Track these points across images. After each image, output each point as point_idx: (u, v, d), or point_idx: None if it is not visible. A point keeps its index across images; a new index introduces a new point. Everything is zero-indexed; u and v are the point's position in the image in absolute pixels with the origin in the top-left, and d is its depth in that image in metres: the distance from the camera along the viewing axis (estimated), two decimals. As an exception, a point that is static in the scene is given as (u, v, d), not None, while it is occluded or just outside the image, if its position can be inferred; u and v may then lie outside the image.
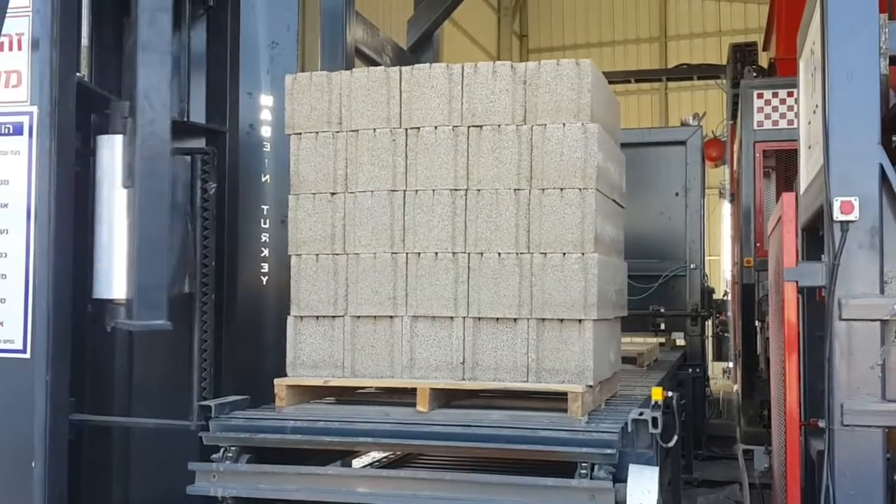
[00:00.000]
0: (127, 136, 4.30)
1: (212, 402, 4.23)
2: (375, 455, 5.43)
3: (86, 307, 5.25)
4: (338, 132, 4.42)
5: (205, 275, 5.12)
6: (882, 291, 3.59)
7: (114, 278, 4.42)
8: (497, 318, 4.16)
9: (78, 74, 4.77)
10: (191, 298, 5.11)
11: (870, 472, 3.53)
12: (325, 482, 3.94)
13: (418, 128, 4.30)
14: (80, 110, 4.73)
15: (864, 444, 3.54)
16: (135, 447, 5.41)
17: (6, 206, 4.47)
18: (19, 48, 4.46)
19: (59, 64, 4.43)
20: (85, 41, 4.99)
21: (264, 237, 5.46)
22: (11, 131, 4.47)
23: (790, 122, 9.09)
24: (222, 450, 4.08)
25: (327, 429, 4.02)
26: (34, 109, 4.43)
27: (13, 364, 4.40)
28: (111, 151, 4.52)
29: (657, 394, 3.92)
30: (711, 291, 10.89)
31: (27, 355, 4.38)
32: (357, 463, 5.58)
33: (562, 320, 4.08)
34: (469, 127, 4.24)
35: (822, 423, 3.73)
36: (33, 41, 4.44)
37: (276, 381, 4.35)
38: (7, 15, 4.22)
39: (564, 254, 4.09)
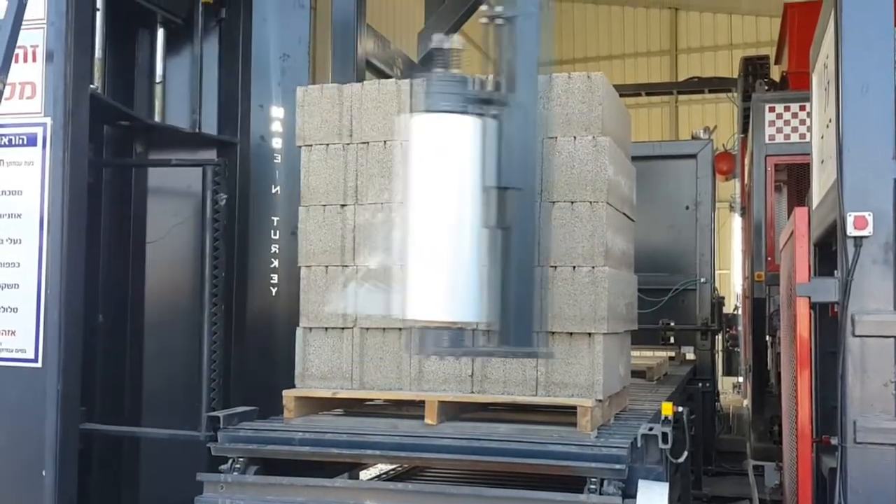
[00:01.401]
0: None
1: (220, 413, 4.22)
2: (383, 467, 5.41)
3: (97, 317, 5.28)
4: (348, 144, 4.42)
5: (214, 285, 5.13)
6: (896, 308, 3.56)
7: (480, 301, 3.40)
8: (507, 332, 4.13)
9: (91, 86, 4.79)
10: (201, 309, 5.12)
11: (883, 490, 3.49)
12: (333, 494, 3.92)
13: (429, 140, 4.28)
14: (94, 122, 4.75)
15: (877, 462, 3.50)
16: (144, 457, 5.42)
17: (19, 216, 4.48)
18: (34, 60, 4.48)
19: (72, 76, 4.45)
20: (98, 53, 5.02)
21: (274, 248, 5.47)
22: (25, 142, 4.48)
23: (802, 136, 9.06)
24: (230, 461, 4.07)
25: (335, 441, 4.01)
26: (48, 121, 4.45)
27: (25, 373, 4.41)
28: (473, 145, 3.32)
29: (667, 409, 3.89)
30: (722, 305, 10.84)
31: (39, 364, 4.39)
32: (365, 475, 5.56)
33: (571, 334, 4.06)
34: (480, 139, 4.22)
35: (834, 441, 3.70)
36: (48, 53, 4.46)
37: (284, 392, 4.34)
38: (22, 27, 4.24)
39: (575, 267, 4.07)
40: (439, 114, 3.19)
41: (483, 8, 3.24)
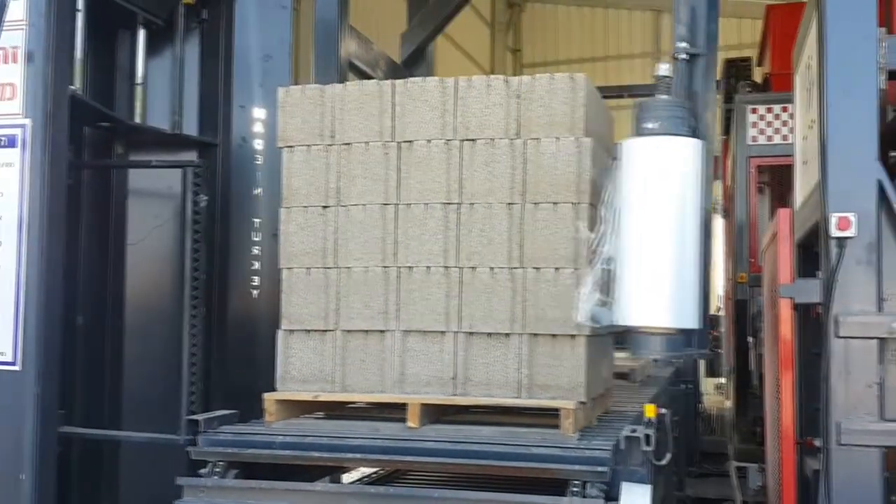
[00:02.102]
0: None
1: (200, 417, 4.18)
2: (365, 471, 5.38)
3: (76, 320, 5.23)
4: (330, 145, 4.39)
5: (195, 288, 5.10)
6: (880, 309, 3.56)
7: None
8: (489, 333, 4.12)
9: (72, 88, 4.75)
10: (181, 311, 5.08)
11: (867, 492, 3.49)
12: (314, 498, 3.89)
13: (411, 141, 4.27)
14: (74, 123, 4.71)
15: (861, 463, 3.50)
16: (123, 461, 5.39)
17: (-1, 217, 4.43)
18: (14, 61, 4.45)
19: (53, 77, 4.42)
20: (79, 54, 4.98)
21: (256, 250, 5.44)
22: (5, 144, 4.44)
23: (784, 137, 9.09)
24: (210, 464, 4.03)
25: (317, 444, 3.98)
26: (28, 122, 4.41)
27: (3, 376, 4.37)
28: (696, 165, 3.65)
29: (650, 410, 3.88)
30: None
31: (17, 367, 4.35)
32: (346, 479, 5.53)
33: (554, 336, 4.05)
34: (462, 141, 4.21)
35: (818, 442, 3.70)
36: (28, 54, 4.42)
37: (265, 395, 4.30)
38: (3, 28, 4.20)
39: (557, 269, 4.05)
40: (670, 136, 3.46)
41: (680, 45, 3.59)
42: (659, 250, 3.46)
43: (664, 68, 3.46)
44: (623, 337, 4.84)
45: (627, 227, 3.50)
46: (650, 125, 3.42)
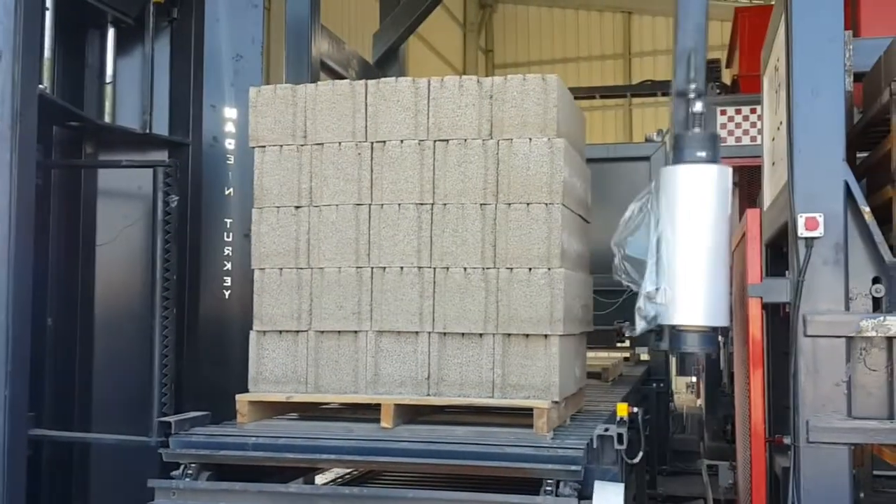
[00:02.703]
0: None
1: (172, 418, 4.16)
2: (339, 472, 5.37)
3: (45, 321, 5.18)
4: (302, 145, 4.39)
5: (166, 288, 5.07)
6: (847, 308, 3.60)
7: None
8: (463, 334, 4.13)
9: (40, 87, 4.70)
10: (152, 312, 5.05)
11: (836, 489, 3.53)
12: (287, 500, 3.88)
13: (384, 141, 4.27)
14: (42, 122, 4.66)
15: (829, 461, 3.54)
16: (94, 463, 5.34)
17: (-34, 218, 4.37)
18: (-19, 59, 4.38)
19: (21, 76, 4.36)
20: (48, 53, 4.93)
21: (227, 251, 5.41)
22: (-28, 143, 4.37)
23: (753, 138, 9.17)
24: (182, 466, 4.01)
25: (290, 445, 3.97)
26: (-5, 121, 4.34)
27: (-29, 379, 4.30)
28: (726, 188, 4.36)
29: (622, 409, 3.90)
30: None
31: (-15, 370, 4.28)
32: (320, 480, 5.52)
33: (527, 336, 4.06)
34: (435, 141, 4.22)
35: (787, 440, 3.73)
36: (-5, 52, 4.36)
37: (237, 396, 4.28)
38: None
39: (531, 269, 4.07)
40: (709, 165, 4.14)
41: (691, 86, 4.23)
42: (701, 260, 4.09)
43: (699, 106, 4.21)
44: (645, 337, 4.92)
45: (674, 241, 4.10)
46: (691, 154, 4.16)
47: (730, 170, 4.23)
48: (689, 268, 4.08)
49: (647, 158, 9.81)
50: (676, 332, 4.11)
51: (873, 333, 3.54)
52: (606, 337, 9.09)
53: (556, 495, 3.59)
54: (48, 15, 4.90)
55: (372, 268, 4.24)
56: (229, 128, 5.49)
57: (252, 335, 4.41)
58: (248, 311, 4.51)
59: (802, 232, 3.60)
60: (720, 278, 4.09)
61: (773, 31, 4.46)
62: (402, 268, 4.20)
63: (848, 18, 3.81)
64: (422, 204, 4.20)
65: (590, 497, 3.61)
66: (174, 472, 4.01)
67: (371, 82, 4.36)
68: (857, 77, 4.14)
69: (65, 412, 5.31)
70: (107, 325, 5.44)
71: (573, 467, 3.63)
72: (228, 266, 5.41)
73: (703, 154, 4.13)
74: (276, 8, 11.65)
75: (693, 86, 4.22)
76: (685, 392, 16.26)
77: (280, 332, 4.36)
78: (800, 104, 3.70)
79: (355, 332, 4.25)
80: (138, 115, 5.43)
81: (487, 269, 4.12)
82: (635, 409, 4.03)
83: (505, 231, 4.11)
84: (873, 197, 3.88)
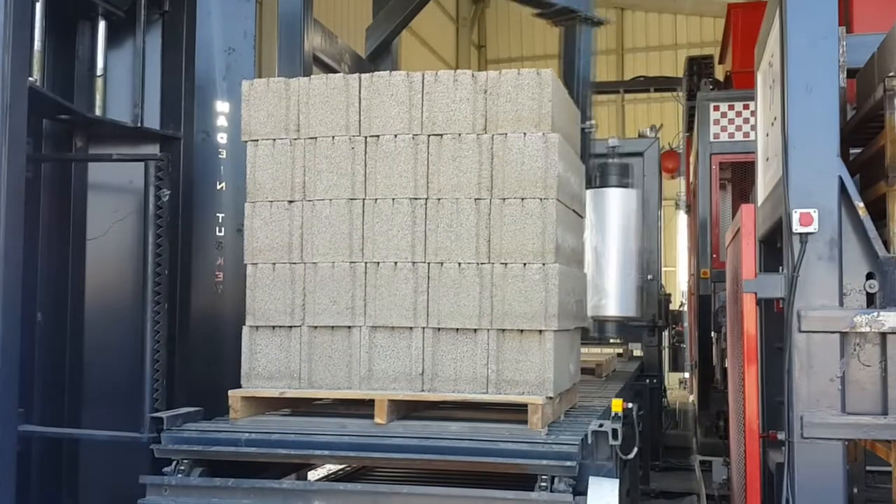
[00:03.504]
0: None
1: (164, 414, 4.14)
2: (332, 467, 5.35)
3: (35, 316, 5.15)
4: (295, 139, 4.36)
5: (158, 283, 5.03)
6: (841, 303, 3.60)
7: None
8: (457, 329, 4.12)
9: (30, 79, 4.66)
10: (143, 307, 5.02)
11: (830, 484, 3.53)
12: (280, 496, 3.86)
13: (378, 136, 4.25)
14: (32, 116, 4.62)
15: (824, 456, 3.54)
16: (85, 459, 5.31)
17: (-46, 212, 4.34)
18: (-30, 52, 4.35)
19: (10, 68, 4.32)
20: (38, 45, 4.89)
21: (220, 245, 5.38)
22: (-39, 137, 4.34)
23: (746, 134, 9.19)
24: (174, 463, 3.99)
25: (283, 441, 3.95)
26: (-16, 114, 4.31)
27: (-41, 375, 4.27)
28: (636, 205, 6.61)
29: (617, 405, 3.90)
30: (668, 302, 10.95)
31: (-26, 366, 4.25)
32: (313, 476, 5.50)
33: (522, 331, 4.05)
34: (429, 135, 4.20)
35: (781, 436, 3.73)
36: (-16, 44, 4.32)
37: (230, 392, 4.26)
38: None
39: (525, 264, 4.06)
40: (619, 189, 5.72)
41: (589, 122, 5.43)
42: (616, 263, 5.83)
43: (613, 140, 5.88)
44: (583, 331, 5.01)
45: (605, 249, 5.66)
46: (609, 180, 5.99)
47: (636, 192, 5.66)
48: (611, 271, 5.69)
49: (640, 154, 9.83)
50: (605, 322, 5.52)
51: (867, 329, 3.54)
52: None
53: (551, 491, 3.58)
54: (38, 7, 4.85)
55: (366, 263, 4.22)
56: (221, 121, 5.46)
57: (245, 330, 4.38)
58: (240, 307, 4.48)
59: (797, 227, 3.60)
60: (630, 280, 5.52)
61: (766, 28, 4.45)
62: (395, 263, 4.18)
63: (841, 15, 3.81)
64: (416, 198, 4.18)
65: (585, 493, 3.60)
66: (166, 469, 3.99)
67: (365, 76, 4.34)
68: (851, 73, 4.14)
69: (55, 408, 5.28)
70: (97, 320, 5.40)
71: (568, 463, 3.62)
72: (220, 261, 5.39)
73: (616, 180, 5.79)
74: (269, 1, 11.60)
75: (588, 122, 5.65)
76: (678, 388, 16.29)
77: (273, 327, 4.33)
78: (794, 100, 3.70)
79: (349, 327, 4.23)
80: (129, 109, 5.39)
81: (482, 264, 4.10)
82: (630, 405, 4.03)
83: (499, 226, 4.09)
84: (867, 192, 3.88)
